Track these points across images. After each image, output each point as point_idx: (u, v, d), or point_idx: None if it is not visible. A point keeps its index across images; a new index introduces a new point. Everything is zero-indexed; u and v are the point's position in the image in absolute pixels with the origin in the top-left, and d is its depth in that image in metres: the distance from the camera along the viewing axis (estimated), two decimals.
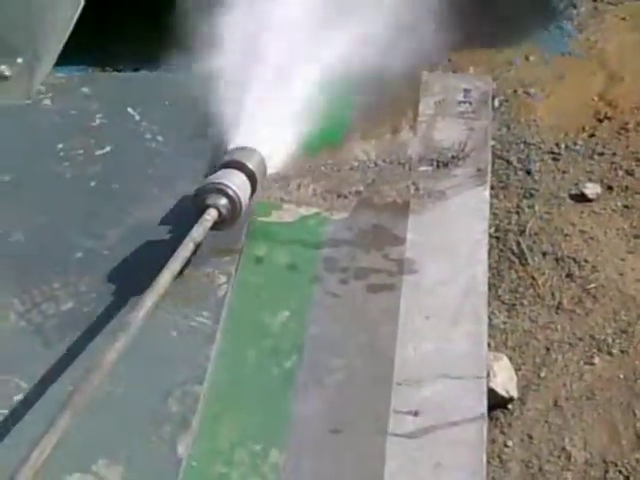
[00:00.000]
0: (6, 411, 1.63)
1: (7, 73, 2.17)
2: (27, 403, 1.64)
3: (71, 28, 2.20)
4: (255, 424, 1.64)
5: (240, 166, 1.90)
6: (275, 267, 1.90)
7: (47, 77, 2.27)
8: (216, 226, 1.84)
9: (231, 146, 1.97)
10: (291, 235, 1.97)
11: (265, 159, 1.95)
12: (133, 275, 1.82)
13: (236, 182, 1.86)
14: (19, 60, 2.19)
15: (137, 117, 2.22)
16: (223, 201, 1.84)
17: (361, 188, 2.04)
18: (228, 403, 1.67)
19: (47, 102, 2.29)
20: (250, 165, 1.91)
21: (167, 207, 1.98)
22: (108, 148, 2.16)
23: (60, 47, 2.21)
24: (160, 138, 2.17)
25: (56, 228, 1.96)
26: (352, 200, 2.01)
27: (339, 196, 2.02)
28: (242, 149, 1.94)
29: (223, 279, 1.84)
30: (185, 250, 1.75)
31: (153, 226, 1.94)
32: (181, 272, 1.75)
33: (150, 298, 1.63)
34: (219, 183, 1.85)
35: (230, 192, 1.84)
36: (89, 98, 2.30)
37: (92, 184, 2.07)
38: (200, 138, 2.12)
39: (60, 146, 2.16)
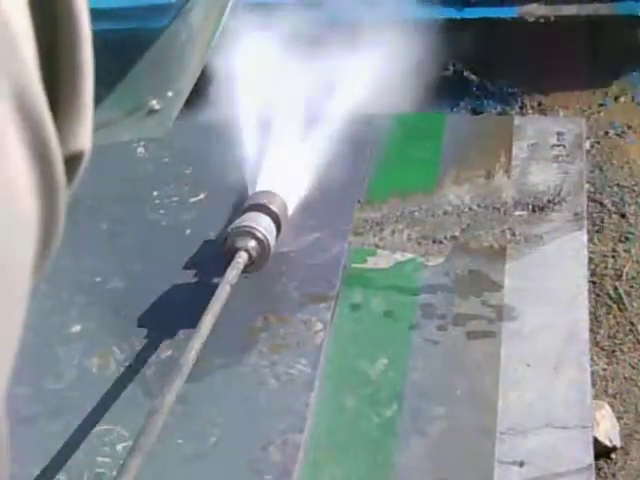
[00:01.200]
0: (108, 459, 1.64)
1: (157, 107, 2.22)
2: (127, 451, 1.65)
3: (202, 66, 2.26)
4: (356, 473, 1.63)
5: (265, 209, 1.93)
6: (372, 314, 1.89)
7: None
8: (245, 269, 1.87)
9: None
10: (387, 281, 1.96)
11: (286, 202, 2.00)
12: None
13: (263, 224, 1.90)
14: (169, 94, 2.26)
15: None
16: (252, 243, 1.87)
17: (457, 233, 2.02)
18: (328, 452, 1.66)
19: (141, 150, 2.33)
20: (274, 207, 1.94)
21: None
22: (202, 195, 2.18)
23: (193, 83, 2.27)
24: None
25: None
26: (447, 245, 2.00)
27: (434, 242, 2.01)
28: (264, 192, 1.98)
29: (320, 326, 1.84)
30: (223, 292, 1.78)
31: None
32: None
33: (198, 341, 1.66)
34: (247, 226, 1.88)
35: (259, 234, 1.87)
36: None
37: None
38: None
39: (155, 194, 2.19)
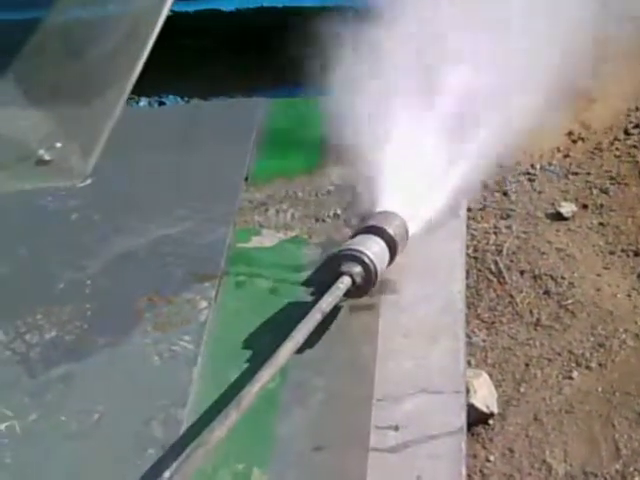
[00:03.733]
0: None
1: (47, 157, 2.17)
2: (13, 432, 1.67)
3: (115, 118, 2.18)
4: (238, 445, 1.66)
5: (380, 232, 1.83)
6: (257, 291, 1.93)
7: None
8: (349, 294, 1.78)
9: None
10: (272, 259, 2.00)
11: (407, 223, 1.88)
12: None
13: (374, 249, 1.80)
14: (57, 145, 2.19)
15: None
16: (358, 269, 1.78)
17: (339, 211, 2.07)
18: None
19: None
20: (390, 231, 1.84)
21: None
22: None
23: (106, 133, 2.19)
24: None
25: None
26: (330, 223, 2.05)
27: (317, 220, 2.06)
28: (383, 213, 1.89)
29: (204, 304, 1.87)
30: (312, 320, 1.69)
31: None
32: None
33: (268, 372, 1.58)
34: (356, 250, 1.79)
35: (366, 260, 1.77)
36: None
37: None
38: None
39: None
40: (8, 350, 1.81)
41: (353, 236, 1.87)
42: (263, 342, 1.81)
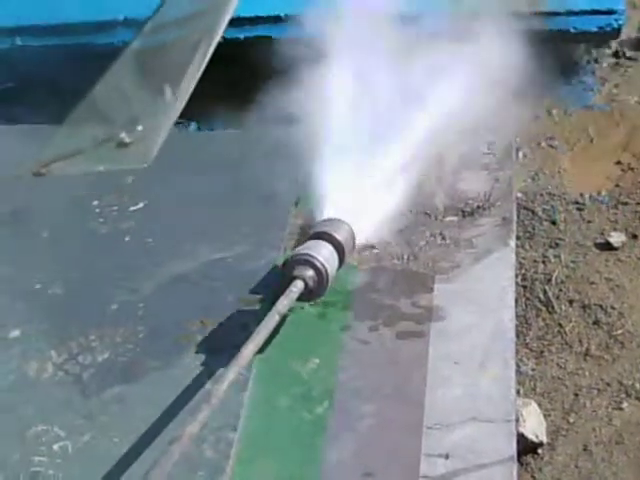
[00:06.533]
0: (45, 459, 1.67)
1: (127, 140, 2.36)
2: (65, 452, 1.69)
3: (185, 101, 2.40)
4: (287, 469, 1.67)
5: (329, 238, 1.90)
6: (305, 316, 1.94)
7: None
8: (302, 297, 1.84)
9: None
10: None
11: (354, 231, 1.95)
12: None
13: (324, 254, 1.86)
14: (139, 128, 2.40)
15: None
16: (310, 273, 1.84)
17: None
18: (261, 449, 1.70)
19: None
20: (339, 237, 1.91)
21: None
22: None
23: (176, 115, 2.41)
24: None
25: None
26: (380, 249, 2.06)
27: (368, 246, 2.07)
28: (330, 221, 1.95)
29: (254, 328, 1.88)
30: (270, 322, 1.75)
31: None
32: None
33: (233, 370, 1.64)
34: (307, 254, 1.85)
35: (317, 264, 1.84)
36: None
37: None
38: None
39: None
40: (61, 371, 1.83)
41: (303, 242, 1.92)
42: (310, 366, 1.83)
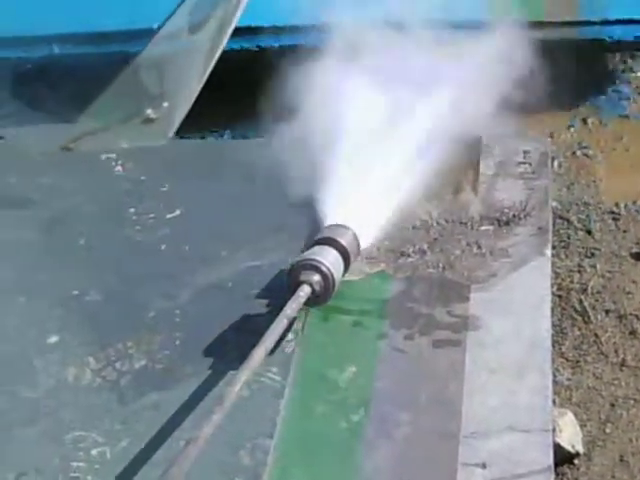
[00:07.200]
0: (83, 464, 1.68)
1: (153, 116, 2.44)
2: (104, 458, 1.70)
3: (204, 80, 2.52)
4: (324, 477, 1.67)
5: (334, 243, 1.93)
6: (341, 324, 1.94)
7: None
8: (308, 302, 1.87)
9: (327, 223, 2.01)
10: (356, 293, 2.01)
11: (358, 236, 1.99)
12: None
13: (330, 259, 1.90)
14: (165, 104, 2.48)
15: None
16: (316, 278, 1.87)
17: (424, 246, 2.08)
18: (297, 456, 1.70)
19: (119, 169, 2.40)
20: (343, 242, 1.94)
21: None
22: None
23: (193, 97, 2.50)
24: None
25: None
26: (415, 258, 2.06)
27: (402, 254, 2.07)
28: (336, 226, 1.99)
29: (291, 336, 1.89)
30: (279, 326, 1.78)
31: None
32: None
33: (245, 373, 1.67)
34: (313, 259, 1.88)
35: (323, 269, 1.87)
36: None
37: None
38: None
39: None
40: (99, 377, 1.85)
41: (308, 248, 1.94)
42: (346, 375, 1.83)
